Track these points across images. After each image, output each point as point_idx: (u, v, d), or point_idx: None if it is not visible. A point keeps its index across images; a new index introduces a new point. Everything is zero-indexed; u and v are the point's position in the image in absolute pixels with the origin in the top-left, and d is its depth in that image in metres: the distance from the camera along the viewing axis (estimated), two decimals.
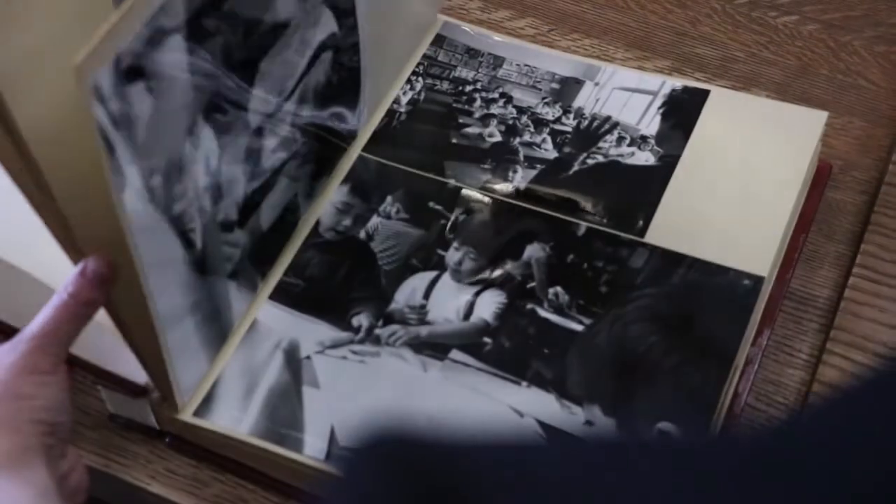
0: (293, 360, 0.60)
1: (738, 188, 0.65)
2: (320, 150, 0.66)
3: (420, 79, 0.74)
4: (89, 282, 0.48)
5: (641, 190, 0.66)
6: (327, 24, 0.61)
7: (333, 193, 0.68)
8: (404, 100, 0.73)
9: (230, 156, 0.56)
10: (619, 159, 0.68)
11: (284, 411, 0.58)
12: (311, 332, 0.62)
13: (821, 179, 0.69)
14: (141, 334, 0.53)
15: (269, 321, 0.62)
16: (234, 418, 0.58)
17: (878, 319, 0.62)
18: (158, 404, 0.59)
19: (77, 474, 0.50)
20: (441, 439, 0.26)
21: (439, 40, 0.76)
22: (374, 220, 0.67)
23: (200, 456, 0.61)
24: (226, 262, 0.59)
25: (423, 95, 0.73)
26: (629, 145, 0.69)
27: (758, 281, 0.61)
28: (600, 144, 0.69)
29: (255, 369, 0.60)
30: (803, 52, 0.78)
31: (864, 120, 0.73)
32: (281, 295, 0.63)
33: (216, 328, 0.59)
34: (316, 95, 0.62)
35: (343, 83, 0.66)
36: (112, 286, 0.49)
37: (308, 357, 0.60)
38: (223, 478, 0.60)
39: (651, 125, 0.70)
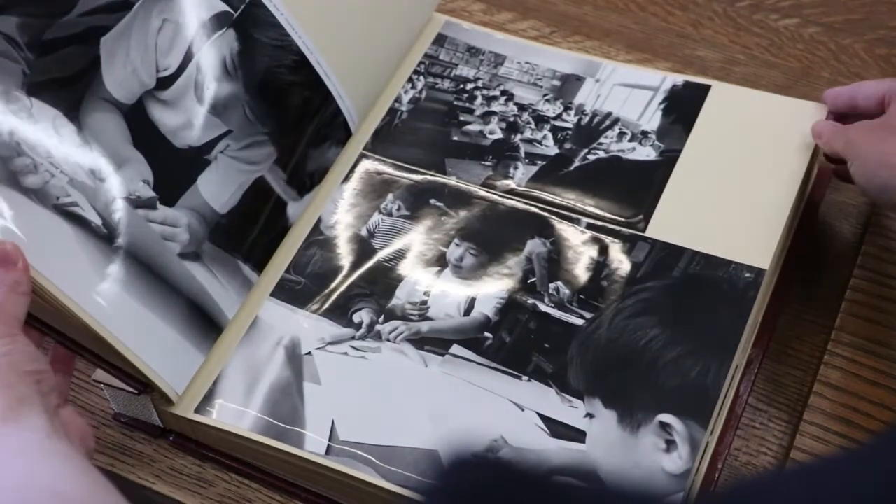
0: (294, 357, 0.60)
1: (740, 181, 0.65)
2: (286, 137, 0.66)
3: (421, 78, 0.74)
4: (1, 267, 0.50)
5: (643, 185, 0.66)
6: (206, 2, 0.63)
7: (334, 191, 0.68)
8: (406, 98, 0.73)
9: (102, 131, 0.58)
10: (621, 155, 0.69)
11: (286, 407, 0.58)
12: (313, 328, 0.62)
13: (822, 181, 0.70)
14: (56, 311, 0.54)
15: (270, 318, 0.62)
16: (236, 414, 0.58)
17: (879, 320, 0.62)
18: (160, 401, 0.59)
19: (77, 421, 0.51)
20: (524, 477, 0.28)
21: (441, 39, 0.76)
22: (376, 218, 0.67)
23: (204, 455, 0.61)
24: (163, 240, 0.60)
25: (424, 94, 0.73)
26: (630, 140, 0.69)
27: (759, 274, 0.61)
28: (601, 140, 0.69)
29: (256, 366, 0.60)
30: (804, 54, 0.78)
31: None
32: (282, 292, 0.63)
33: (196, 316, 0.60)
34: (231, 73, 0.64)
35: (288, 69, 0.67)
36: (21, 259, 0.51)
37: (309, 353, 0.60)
38: (227, 477, 0.61)
39: (652, 120, 0.70)
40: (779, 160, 0.66)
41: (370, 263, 0.64)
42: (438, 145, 0.70)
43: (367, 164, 0.69)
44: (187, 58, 0.63)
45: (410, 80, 0.74)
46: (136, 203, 0.59)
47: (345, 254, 0.65)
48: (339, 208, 0.67)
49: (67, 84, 0.58)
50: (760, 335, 0.63)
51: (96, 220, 0.57)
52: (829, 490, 0.30)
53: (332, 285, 0.64)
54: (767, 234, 0.62)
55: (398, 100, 0.73)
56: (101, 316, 0.55)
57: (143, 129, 0.60)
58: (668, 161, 0.67)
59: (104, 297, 0.55)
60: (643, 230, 0.64)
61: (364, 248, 0.65)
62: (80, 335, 0.56)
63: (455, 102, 0.73)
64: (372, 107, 0.72)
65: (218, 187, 0.63)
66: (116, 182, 0.58)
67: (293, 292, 0.63)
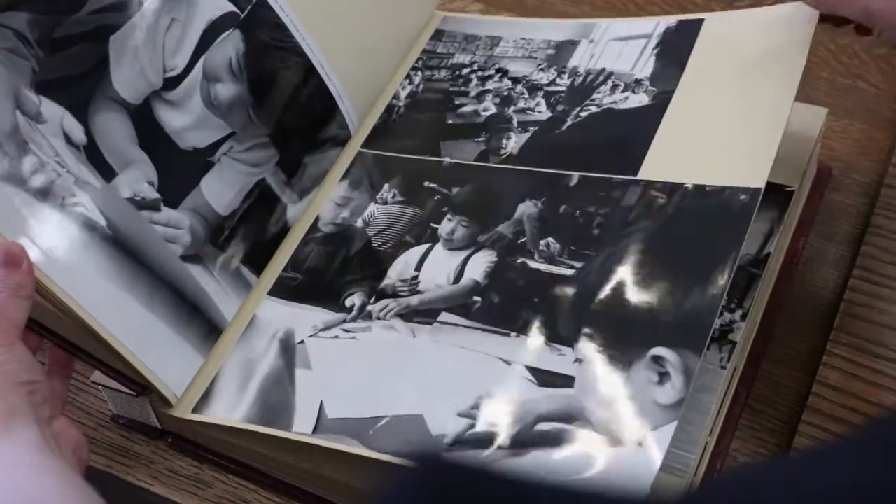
0: (288, 347, 0.60)
1: (732, 106, 0.62)
2: (288, 139, 0.66)
3: (419, 73, 0.74)
4: (3, 270, 0.50)
5: (635, 130, 0.64)
6: (214, 2, 0.63)
7: (333, 191, 0.68)
8: (403, 94, 0.73)
9: (109, 131, 0.59)
10: (613, 106, 0.66)
11: (277, 395, 0.57)
12: (306, 318, 0.61)
13: (821, 182, 0.70)
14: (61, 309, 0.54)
15: (267, 315, 0.62)
16: (230, 408, 0.58)
17: (878, 321, 0.62)
18: (158, 403, 0.59)
19: (71, 432, 0.51)
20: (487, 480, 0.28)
21: (439, 34, 0.75)
22: (371, 208, 0.66)
23: (202, 457, 0.61)
24: (166, 242, 0.60)
25: (421, 87, 0.73)
26: (623, 91, 0.67)
27: (754, 193, 0.57)
28: (594, 96, 0.67)
29: (252, 361, 0.60)
30: None
31: (864, 122, 0.73)
32: (279, 290, 0.63)
33: (196, 319, 0.60)
34: (236, 74, 0.64)
35: (291, 70, 0.67)
36: (25, 261, 0.51)
37: (302, 342, 0.60)
38: (225, 478, 0.60)
39: (646, 67, 0.67)
40: (771, 73, 0.62)
41: (364, 251, 0.64)
42: (434, 131, 0.69)
43: (365, 161, 0.69)
44: (194, 58, 0.62)
45: (408, 76, 0.74)
46: (140, 204, 0.59)
47: (340, 246, 0.65)
48: (336, 205, 0.67)
49: (76, 82, 0.58)
50: (760, 334, 0.63)
51: (101, 220, 0.57)
52: (809, 487, 0.31)
53: (327, 276, 0.63)
54: (762, 152, 0.59)
55: (396, 96, 0.72)
56: (102, 317, 0.55)
57: (148, 130, 0.60)
58: (661, 103, 0.64)
59: (106, 298, 0.55)
60: (635, 174, 0.61)
61: (359, 237, 0.65)
62: (80, 336, 0.55)
63: (451, 89, 0.72)
64: (371, 107, 0.72)
65: (221, 189, 0.63)
66: (121, 183, 0.58)
67: (290, 288, 0.63)
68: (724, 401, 0.59)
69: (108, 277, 0.56)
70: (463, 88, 0.72)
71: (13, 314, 0.49)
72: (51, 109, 0.57)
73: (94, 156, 0.58)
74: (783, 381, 0.62)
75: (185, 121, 0.62)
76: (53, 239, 0.54)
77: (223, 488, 0.60)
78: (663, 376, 0.52)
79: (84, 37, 0.59)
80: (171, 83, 0.62)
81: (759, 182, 0.57)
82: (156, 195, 0.60)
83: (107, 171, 0.58)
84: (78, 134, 0.57)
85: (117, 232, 0.57)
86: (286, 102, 0.66)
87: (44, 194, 0.55)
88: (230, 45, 0.64)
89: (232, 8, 0.64)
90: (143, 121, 0.60)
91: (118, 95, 0.60)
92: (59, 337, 0.56)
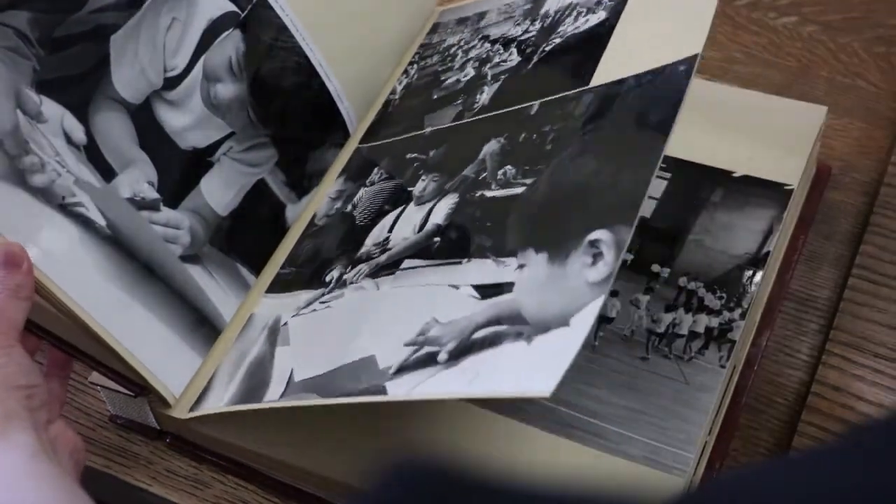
0: (273, 332, 0.60)
1: None
2: (287, 140, 0.66)
3: (414, 66, 0.74)
4: (3, 270, 0.50)
5: (590, 45, 0.64)
6: (214, 2, 0.63)
7: (330, 189, 0.68)
8: (399, 88, 0.73)
9: (109, 131, 0.59)
10: (575, 32, 0.66)
11: (258, 376, 0.57)
12: (292, 302, 0.61)
13: (820, 181, 0.70)
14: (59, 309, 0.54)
15: (262, 311, 0.62)
16: (220, 399, 0.58)
17: (878, 320, 0.62)
18: (157, 403, 0.59)
19: (68, 435, 0.50)
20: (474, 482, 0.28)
21: (435, 28, 0.76)
22: (360, 192, 0.66)
23: (201, 457, 0.61)
24: (165, 242, 0.60)
25: (415, 77, 0.73)
26: (585, 16, 0.67)
27: (691, 60, 0.56)
28: (559, 30, 0.68)
29: (243, 354, 0.60)
30: (803, 53, 0.78)
31: (864, 121, 0.73)
32: (276, 287, 0.63)
33: (195, 319, 0.60)
34: (236, 74, 0.64)
35: (291, 71, 0.67)
36: (26, 262, 0.51)
37: (285, 324, 0.60)
38: (224, 479, 0.60)
39: None
40: None
41: (349, 230, 0.64)
42: (422, 110, 0.70)
43: (361, 155, 0.70)
44: (194, 58, 0.62)
45: (405, 71, 0.74)
46: (140, 205, 0.59)
47: (330, 233, 0.65)
48: (331, 199, 0.67)
49: (77, 82, 0.58)
50: (759, 334, 0.63)
51: (100, 220, 0.57)
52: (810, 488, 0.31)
53: (316, 263, 0.63)
54: (696, 24, 0.58)
55: (393, 91, 0.73)
56: (101, 317, 0.54)
57: (148, 130, 0.60)
58: (615, 14, 0.65)
59: (105, 299, 0.55)
60: (588, 83, 0.61)
61: (348, 222, 0.65)
62: (79, 337, 0.55)
63: (439, 69, 0.72)
64: (370, 106, 0.72)
65: (220, 189, 0.63)
66: (121, 183, 0.58)
67: (285, 283, 0.63)
68: (724, 400, 0.59)
69: (107, 278, 0.56)
70: (449, 65, 0.72)
71: (13, 315, 0.49)
72: (51, 109, 0.57)
73: (94, 156, 0.58)
74: (783, 381, 0.62)
75: (185, 121, 0.62)
76: (53, 239, 0.54)
77: (222, 489, 0.60)
78: (597, 257, 0.50)
79: (84, 36, 0.59)
80: (172, 83, 0.62)
81: (696, 49, 0.56)
82: (155, 195, 0.60)
83: (107, 171, 0.58)
84: (78, 134, 0.57)
85: (117, 232, 0.57)
86: (286, 102, 0.66)
87: (44, 194, 0.55)
88: (230, 45, 0.64)
89: (232, 8, 0.64)
90: (144, 121, 0.60)
91: (118, 95, 0.59)
92: (58, 338, 0.55)
